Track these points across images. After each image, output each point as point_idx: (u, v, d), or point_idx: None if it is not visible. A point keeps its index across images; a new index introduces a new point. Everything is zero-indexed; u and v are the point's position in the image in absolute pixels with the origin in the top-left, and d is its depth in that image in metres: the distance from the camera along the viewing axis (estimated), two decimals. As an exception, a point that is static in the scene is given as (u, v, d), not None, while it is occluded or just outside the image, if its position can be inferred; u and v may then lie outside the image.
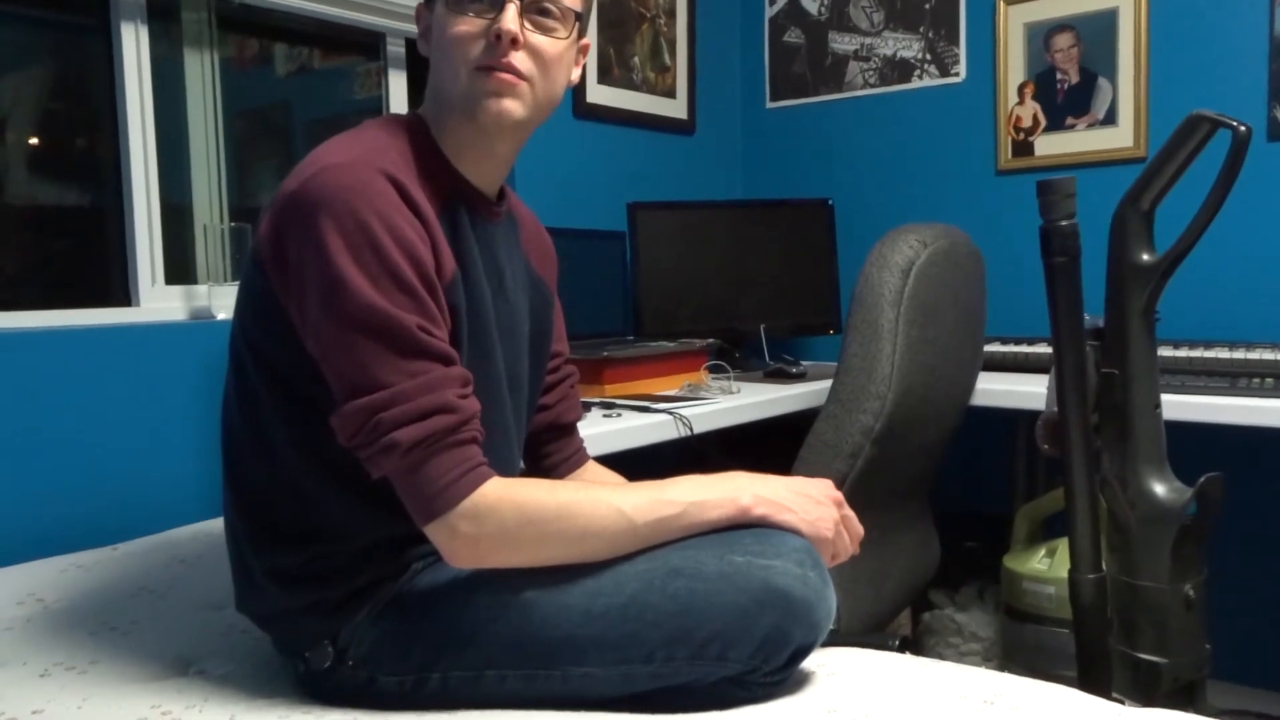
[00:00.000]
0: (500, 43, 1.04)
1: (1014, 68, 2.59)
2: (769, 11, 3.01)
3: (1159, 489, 1.37)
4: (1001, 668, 2.03)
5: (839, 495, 1.12)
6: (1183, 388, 1.83)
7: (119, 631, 1.24)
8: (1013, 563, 2.04)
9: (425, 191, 1.04)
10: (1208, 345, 2.18)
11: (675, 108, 2.85)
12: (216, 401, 1.64)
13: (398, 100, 2.33)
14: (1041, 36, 2.54)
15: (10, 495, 1.52)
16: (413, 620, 1.05)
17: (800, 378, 2.25)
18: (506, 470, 1.11)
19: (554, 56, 1.09)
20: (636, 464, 1.48)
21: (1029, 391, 2.01)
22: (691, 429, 1.78)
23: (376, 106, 2.33)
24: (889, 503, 1.84)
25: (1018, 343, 2.35)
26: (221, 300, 1.88)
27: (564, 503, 1.01)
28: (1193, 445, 1.82)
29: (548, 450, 1.34)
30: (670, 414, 1.77)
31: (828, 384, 1.74)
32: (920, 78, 2.75)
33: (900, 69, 2.78)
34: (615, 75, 2.66)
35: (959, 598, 2.36)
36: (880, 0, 2.80)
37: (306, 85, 2.29)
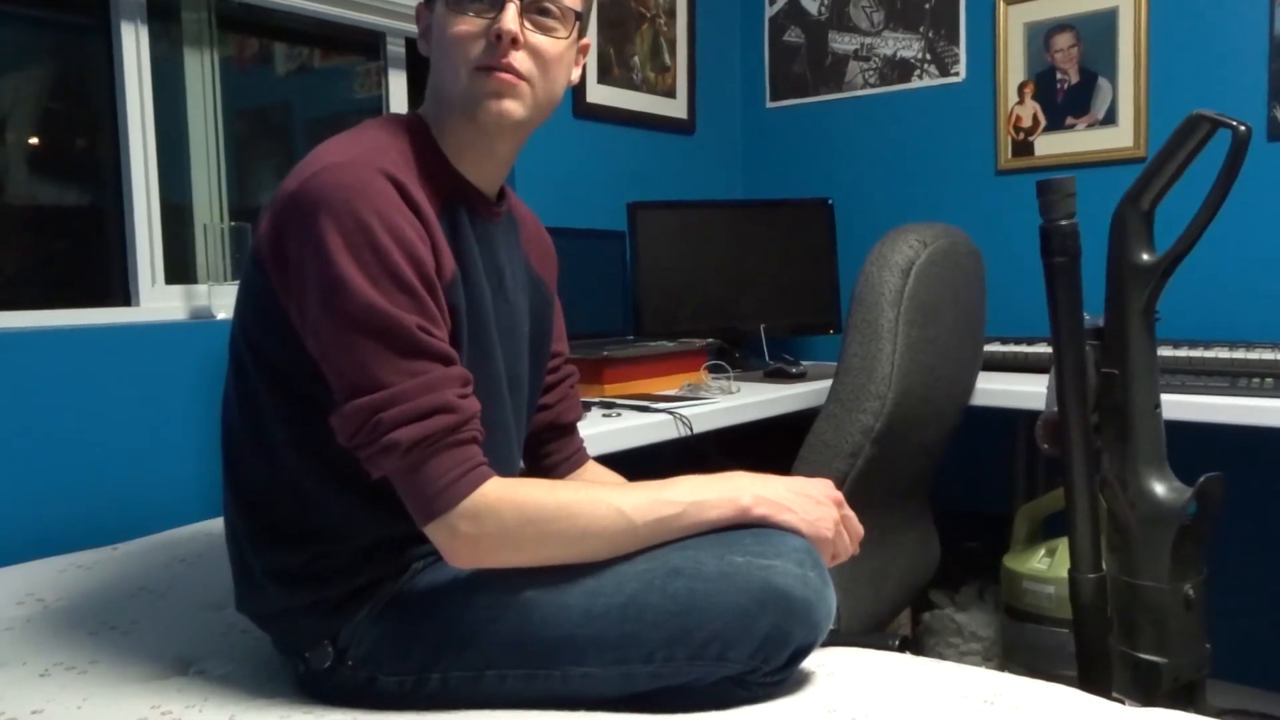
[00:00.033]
0: (500, 42, 1.04)
1: (1014, 67, 2.59)
2: (769, 11, 3.01)
3: (1159, 489, 1.37)
4: (1001, 667, 2.03)
5: (839, 495, 1.12)
6: (1183, 387, 1.83)
7: (119, 631, 1.24)
8: (1013, 562, 2.04)
9: (425, 191, 1.04)
10: (1208, 345, 2.18)
11: (675, 107, 2.85)
12: (216, 401, 1.64)
13: (398, 100, 2.33)
14: (1041, 36, 2.54)
15: (10, 495, 1.52)
16: (413, 620, 1.05)
17: (800, 377, 2.25)
18: (506, 470, 1.11)
19: (554, 56, 1.09)
20: (636, 464, 1.48)
21: (1029, 391, 2.01)
22: (691, 429, 1.78)
23: (376, 106, 2.33)
24: (889, 502, 1.84)
25: (1018, 342, 2.35)
26: (221, 300, 1.88)
27: (564, 503, 1.01)
28: (1192, 445, 1.82)
29: (548, 450, 1.34)
30: (670, 414, 1.77)
31: (828, 384, 1.74)
32: (920, 77, 2.75)
33: (900, 69, 2.78)
34: (615, 75, 2.66)
35: (959, 597, 2.36)
36: (880, 0, 2.80)
37: (306, 85, 2.29)
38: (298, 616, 1.07)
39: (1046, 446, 1.49)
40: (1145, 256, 1.37)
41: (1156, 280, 1.37)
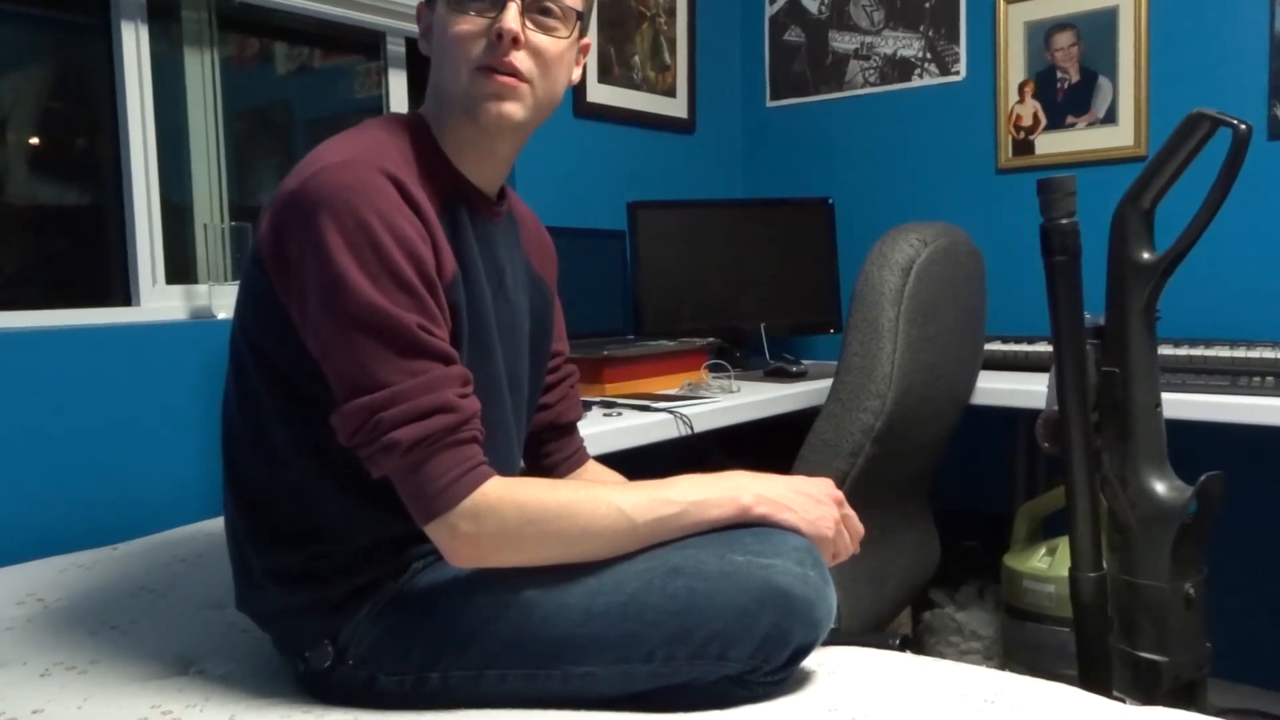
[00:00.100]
0: (501, 42, 1.04)
1: (1014, 66, 2.59)
2: (769, 10, 3.01)
3: (1159, 487, 1.37)
4: (1002, 666, 2.03)
5: (839, 494, 1.12)
6: (1183, 386, 1.83)
7: (119, 631, 1.24)
8: (1013, 561, 2.04)
9: (426, 191, 1.04)
10: (1208, 344, 2.18)
11: (675, 107, 2.85)
12: (216, 401, 1.64)
13: (398, 99, 2.33)
14: (1042, 35, 2.54)
15: (10, 495, 1.52)
16: (413, 620, 1.05)
17: (800, 377, 2.25)
18: (507, 470, 1.11)
19: (555, 56, 1.09)
20: (637, 463, 1.48)
21: (1029, 390, 2.01)
22: (692, 428, 1.78)
23: (377, 106, 2.33)
24: (889, 501, 1.84)
25: (1018, 341, 2.35)
26: (222, 299, 1.88)
27: (564, 502, 1.01)
28: (1193, 444, 1.82)
29: (548, 450, 1.34)
30: (670, 413, 1.77)
31: (828, 383, 1.74)
32: (920, 76, 2.75)
33: (900, 68, 2.78)
34: (615, 74, 2.66)
35: (959, 596, 2.36)
36: (880, -1, 2.80)
37: (307, 84, 2.29)
38: (298, 616, 1.07)
39: (1047, 445, 1.49)
40: (1145, 255, 1.37)
41: (1157, 279, 1.37)
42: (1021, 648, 2.01)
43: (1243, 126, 1.29)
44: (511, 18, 1.04)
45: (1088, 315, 1.44)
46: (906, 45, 2.77)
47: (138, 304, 1.85)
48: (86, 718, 1.02)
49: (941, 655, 2.26)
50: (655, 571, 1.01)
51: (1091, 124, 2.49)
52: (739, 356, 2.46)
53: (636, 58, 2.72)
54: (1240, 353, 2.03)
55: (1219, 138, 1.31)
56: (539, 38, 1.07)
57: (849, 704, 1.01)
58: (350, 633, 1.06)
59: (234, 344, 1.09)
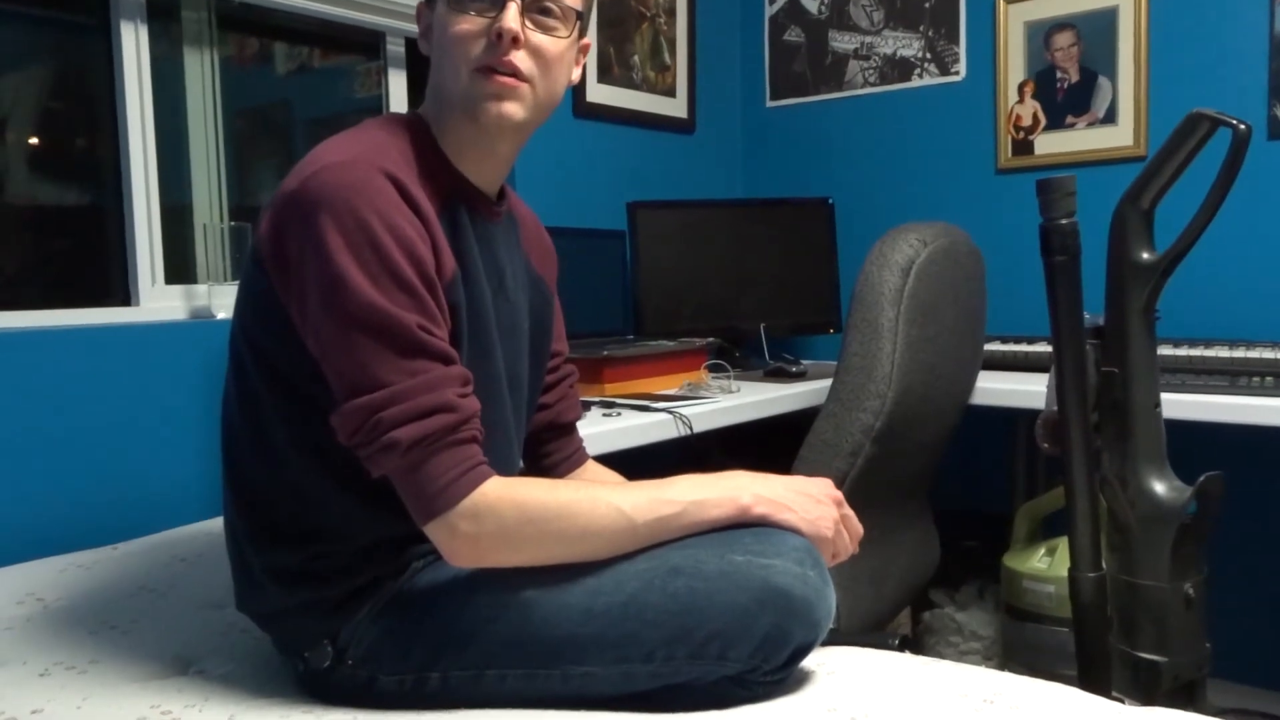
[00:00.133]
0: (501, 41, 1.04)
1: (1014, 66, 2.59)
2: (769, 10, 3.01)
3: (1159, 488, 1.37)
4: (1001, 666, 2.03)
5: (839, 494, 1.12)
6: (1183, 386, 1.83)
7: (119, 631, 1.24)
8: (1013, 561, 2.04)
9: (425, 190, 1.04)
10: (1208, 344, 2.18)
11: (675, 107, 2.85)
12: (216, 401, 1.64)
13: (398, 99, 2.33)
14: (1041, 35, 2.54)
15: (10, 495, 1.52)
16: (413, 619, 1.05)
17: (800, 377, 2.25)
18: (506, 469, 1.11)
19: (555, 56, 1.09)
20: (636, 463, 1.48)
21: (1029, 390, 2.01)
22: (691, 428, 1.78)
23: (376, 105, 2.33)
24: (889, 502, 1.84)
25: (1017, 341, 2.35)
26: (222, 299, 1.88)
27: (564, 502, 1.01)
28: (1193, 444, 1.82)
29: (547, 450, 1.34)
30: (670, 413, 1.77)
31: (828, 383, 1.74)
32: (920, 76, 2.75)
33: (900, 68, 2.78)
34: (615, 74, 2.66)
35: (959, 596, 2.36)
36: (880, -1, 2.80)
37: (306, 84, 2.29)
38: (297, 616, 1.07)
39: (1046, 445, 1.49)
40: (1145, 255, 1.37)
41: (1156, 279, 1.37)
42: (1021, 648, 2.01)
43: (1242, 126, 1.29)
44: (511, 17, 1.04)
45: (1087, 315, 1.44)
46: (906, 45, 2.77)
47: (137, 304, 1.85)
48: (86, 717, 1.02)
49: (941, 655, 2.26)
50: (655, 571, 1.01)
51: (1091, 124, 2.49)
52: (739, 356, 2.46)
53: (636, 58, 2.72)
54: (1240, 353, 2.03)
55: (1219, 138, 1.31)
56: (539, 37, 1.07)
57: (848, 704, 1.01)
58: (350, 633, 1.06)
59: (234, 344, 1.09)
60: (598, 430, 1.63)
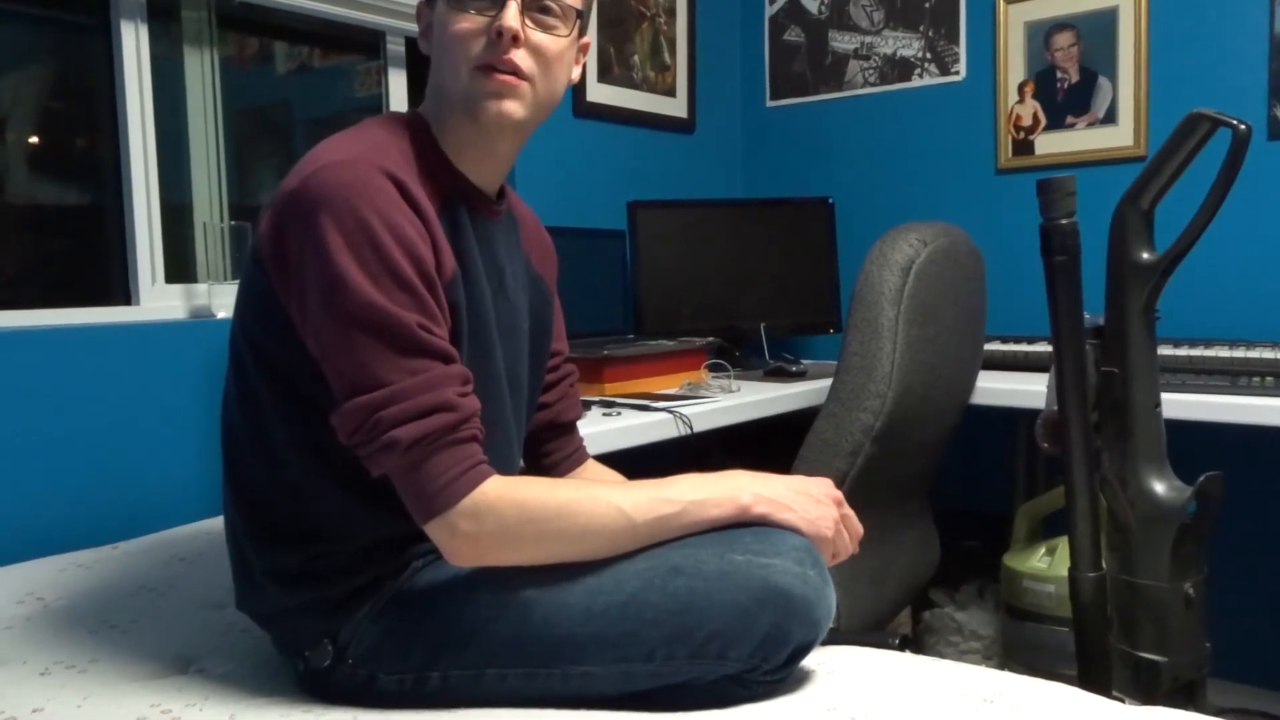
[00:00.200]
0: (501, 40, 1.04)
1: (1014, 66, 2.59)
2: (769, 10, 3.01)
3: (1159, 487, 1.37)
4: (1001, 666, 2.03)
5: (839, 494, 1.12)
6: (1183, 386, 1.83)
7: (119, 630, 1.24)
8: (1013, 561, 2.04)
9: (425, 190, 1.04)
10: (1208, 344, 2.18)
11: (675, 106, 2.85)
12: (216, 400, 1.64)
13: (398, 99, 2.33)
14: (1042, 35, 2.54)
15: (10, 495, 1.52)
16: (413, 619, 1.05)
17: (800, 376, 2.25)
18: (506, 469, 1.11)
19: (555, 54, 1.09)
20: (636, 463, 1.48)
21: (1029, 390, 2.01)
22: (691, 428, 1.78)
23: (376, 105, 2.33)
24: (889, 501, 1.84)
25: (1017, 341, 2.35)
26: (222, 299, 1.88)
27: (564, 501, 1.01)
28: (1193, 444, 1.82)
29: (547, 449, 1.34)
30: (670, 412, 1.77)
31: (828, 383, 1.74)
32: (920, 76, 2.75)
33: (900, 68, 2.78)
34: (615, 74, 2.66)
35: (959, 596, 2.36)
36: (880, -1, 2.80)
37: (306, 84, 2.29)
38: (297, 615, 1.07)
39: (1046, 445, 1.49)
40: (1145, 255, 1.37)
41: (1156, 279, 1.37)
42: (1021, 647, 2.01)
43: (1242, 126, 1.29)
44: (511, 16, 1.04)
45: (1087, 315, 1.44)
46: (906, 45, 2.77)
47: (137, 303, 1.85)
48: (86, 716, 1.02)
49: (941, 655, 2.26)
50: (655, 571, 1.01)
51: (1091, 124, 2.49)
52: (739, 356, 2.46)
53: (636, 57, 2.72)
54: (1240, 353, 2.03)
55: (1219, 138, 1.31)
56: (539, 36, 1.07)
57: (848, 703, 1.01)
58: (350, 632, 1.06)
59: (234, 343, 1.09)
60: (598, 430, 1.63)
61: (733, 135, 3.09)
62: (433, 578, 1.07)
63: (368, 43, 2.30)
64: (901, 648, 1.21)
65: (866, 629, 1.79)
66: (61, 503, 1.57)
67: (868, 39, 2.83)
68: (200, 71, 2.03)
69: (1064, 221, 1.41)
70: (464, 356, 1.05)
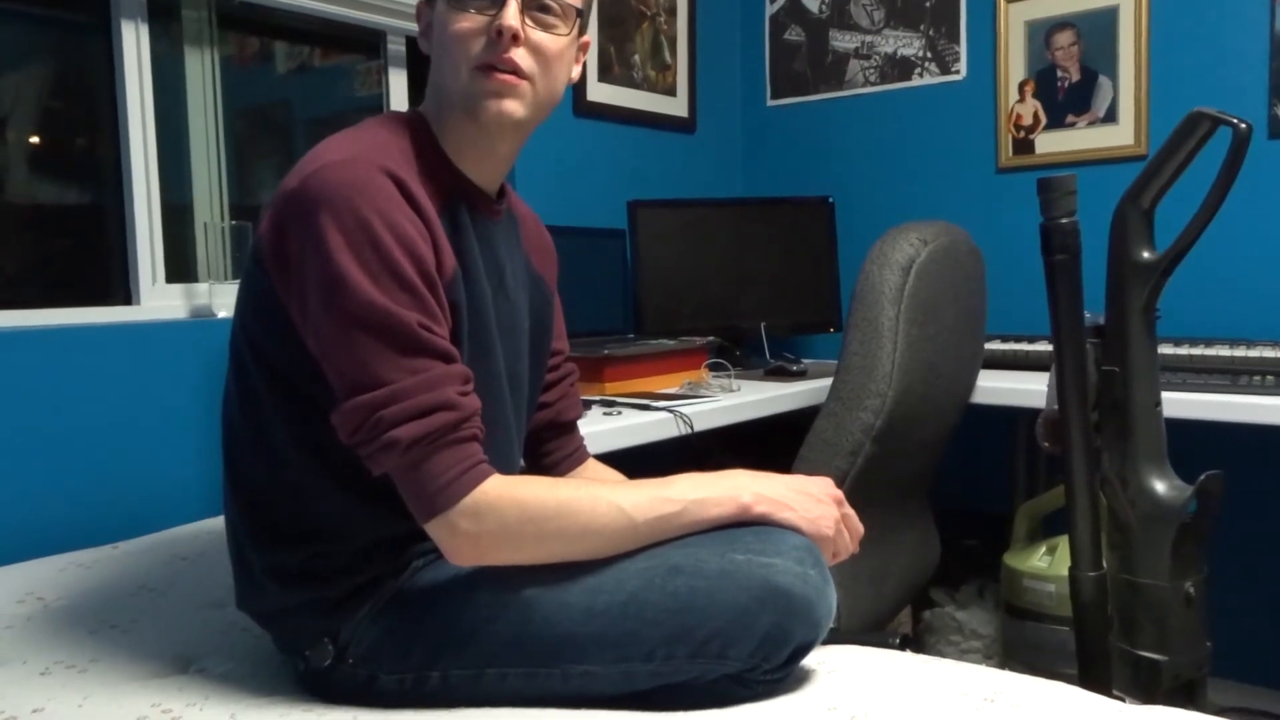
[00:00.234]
0: (501, 39, 1.04)
1: (1014, 65, 2.59)
2: (769, 9, 3.01)
3: (1159, 486, 1.37)
4: (1002, 665, 2.03)
5: (839, 493, 1.12)
6: (1183, 385, 1.83)
7: (119, 630, 1.24)
8: (1013, 560, 2.04)
9: (426, 189, 1.04)
10: (1208, 343, 2.18)
11: (676, 106, 2.85)
12: (217, 400, 1.64)
13: (398, 98, 2.33)
14: (1042, 34, 2.54)
15: (10, 494, 1.52)
16: (413, 618, 1.05)
17: (801, 375, 2.25)
18: (507, 468, 1.11)
19: (555, 53, 1.09)
20: (637, 462, 1.48)
21: (1029, 389, 2.01)
22: (692, 427, 1.78)
23: (377, 104, 2.33)
24: (889, 501, 1.84)
25: (1018, 340, 2.35)
26: (222, 298, 1.88)
27: (564, 500, 1.01)
28: (1193, 443, 1.82)
29: (548, 448, 1.34)
30: (670, 412, 1.77)
31: (828, 382, 1.74)
32: (921, 75, 2.75)
33: (901, 67, 2.78)
34: (616, 73, 2.66)
35: (959, 595, 2.36)
36: (880, -2, 2.80)
37: (307, 83, 2.29)
38: (298, 615, 1.07)
39: (1047, 444, 1.49)
40: (1146, 254, 1.37)
41: (1157, 278, 1.37)
42: (1021, 647, 2.01)
43: (1243, 126, 1.29)
44: (511, 15, 1.04)
45: (1088, 314, 1.44)
46: (907, 44, 2.77)
47: (138, 303, 1.85)
48: (87, 716, 1.02)
49: (941, 654, 2.26)
50: (655, 570, 1.01)
51: (1092, 123, 2.49)
52: (739, 355, 2.46)
53: (637, 57, 2.72)
54: (1240, 352, 2.03)
55: (1219, 137, 1.31)
56: (539, 35, 1.07)
57: (848, 703, 1.01)
58: (350, 632, 1.06)
59: (234, 343, 1.09)
60: (598, 429, 1.63)
61: (733, 134, 3.09)
62: (433, 577, 1.07)
63: (368, 42, 2.30)
64: (902, 647, 1.21)
65: (867, 628, 1.79)
66: (61, 503, 1.57)
67: (868, 38, 2.83)
68: (200, 71, 2.03)
69: (1064, 220, 1.41)
70: (464, 356, 1.05)
